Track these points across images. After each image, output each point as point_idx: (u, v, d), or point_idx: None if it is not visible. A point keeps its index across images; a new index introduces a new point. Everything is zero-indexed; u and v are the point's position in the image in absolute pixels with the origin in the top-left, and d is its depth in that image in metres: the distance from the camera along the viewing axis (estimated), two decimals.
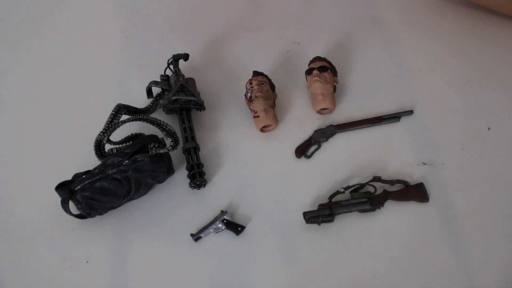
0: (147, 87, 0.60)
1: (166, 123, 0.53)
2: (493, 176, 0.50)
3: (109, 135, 0.53)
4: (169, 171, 0.53)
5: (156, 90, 0.61)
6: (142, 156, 0.51)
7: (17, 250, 0.51)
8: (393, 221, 0.48)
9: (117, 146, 0.54)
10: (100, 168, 0.50)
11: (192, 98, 0.57)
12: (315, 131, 0.56)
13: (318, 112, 0.57)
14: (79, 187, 0.49)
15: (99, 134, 0.52)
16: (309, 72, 0.57)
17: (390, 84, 0.58)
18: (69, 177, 0.51)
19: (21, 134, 0.61)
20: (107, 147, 0.54)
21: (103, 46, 0.63)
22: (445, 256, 0.46)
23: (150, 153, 0.51)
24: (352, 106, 0.57)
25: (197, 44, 0.63)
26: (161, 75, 0.61)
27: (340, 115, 0.57)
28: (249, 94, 0.56)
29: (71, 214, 0.51)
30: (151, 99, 0.61)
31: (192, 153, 0.55)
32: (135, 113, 0.58)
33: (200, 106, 0.58)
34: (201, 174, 0.53)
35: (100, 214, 0.51)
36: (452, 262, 0.45)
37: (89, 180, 0.49)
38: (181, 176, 0.54)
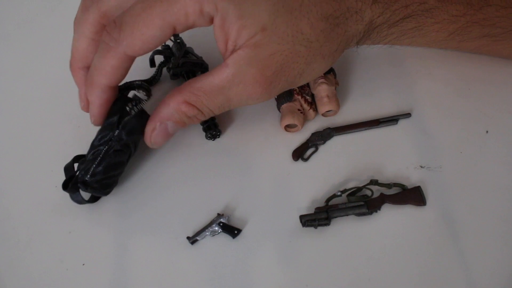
0: (150, 56, 0.61)
1: (132, 81, 0.52)
2: (491, 180, 0.49)
3: None
4: None
5: (157, 62, 0.62)
6: (128, 118, 0.50)
7: (12, 252, 0.51)
8: (390, 224, 0.48)
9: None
10: (92, 151, 0.50)
11: (200, 61, 0.59)
12: (312, 133, 0.55)
13: (323, 114, 0.57)
14: (88, 176, 0.49)
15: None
16: None
17: (388, 86, 0.58)
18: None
19: (17, 136, 0.61)
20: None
21: None
22: (442, 259, 0.45)
23: (132, 113, 0.50)
24: (350, 109, 0.57)
25: None
26: (162, 45, 0.62)
27: (338, 117, 0.56)
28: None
29: (84, 201, 0.51)
30: (154, 69, 0.62)
31: None
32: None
33: (206, 69, 0.60)
34: (216, 125, 0.55)
35: (111, 189, 0.52)
36: (449, 265, 0.45)
37: (94, 165, 0.49)
38: None
